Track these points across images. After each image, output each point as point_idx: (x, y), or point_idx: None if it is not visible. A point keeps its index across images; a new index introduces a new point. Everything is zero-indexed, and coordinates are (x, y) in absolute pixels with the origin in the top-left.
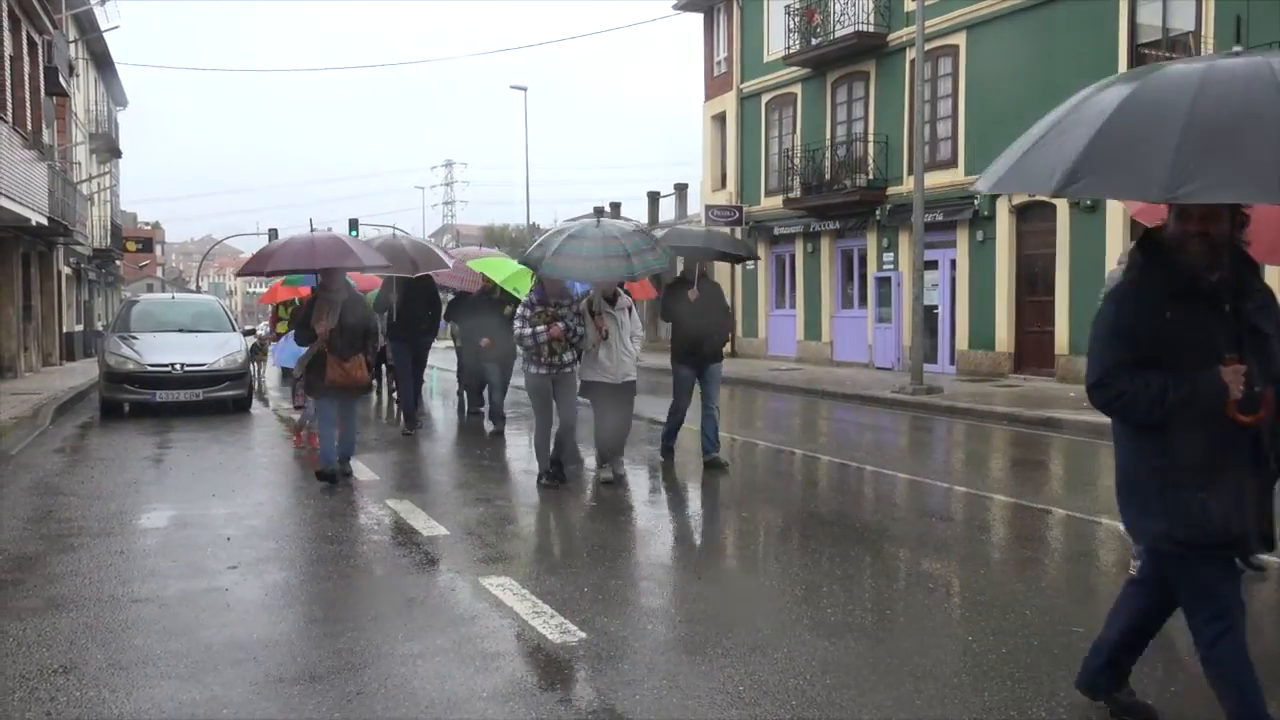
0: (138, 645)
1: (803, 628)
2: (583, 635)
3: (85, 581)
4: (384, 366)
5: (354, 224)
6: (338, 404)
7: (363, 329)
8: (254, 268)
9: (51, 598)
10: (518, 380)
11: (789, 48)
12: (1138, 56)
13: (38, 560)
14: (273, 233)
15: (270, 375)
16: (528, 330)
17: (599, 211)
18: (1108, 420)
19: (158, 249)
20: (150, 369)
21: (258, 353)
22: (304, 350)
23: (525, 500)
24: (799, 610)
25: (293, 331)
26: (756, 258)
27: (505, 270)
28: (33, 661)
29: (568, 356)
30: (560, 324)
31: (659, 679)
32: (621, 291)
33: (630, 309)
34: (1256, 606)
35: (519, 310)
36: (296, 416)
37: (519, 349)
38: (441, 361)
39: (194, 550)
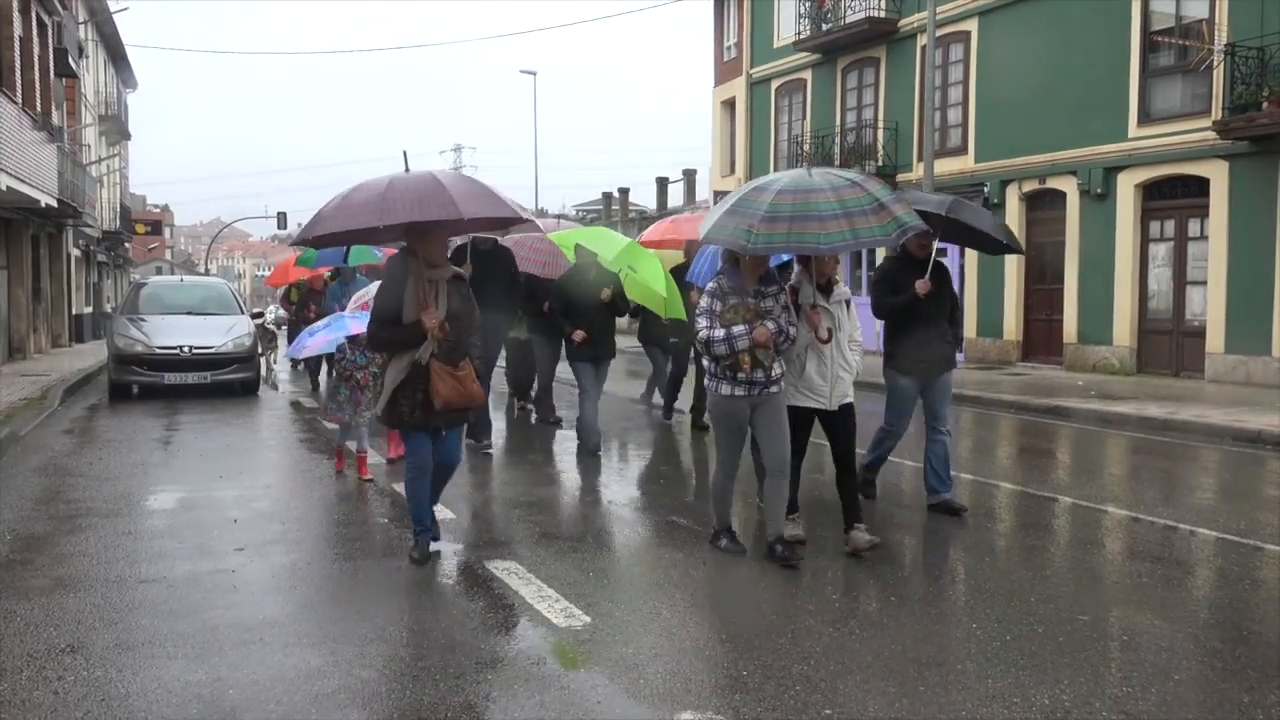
0: (145, 625)
1: (807, 614)
2: (587, 619)
3: (93, 562)
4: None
5: None
6: (438, 436)
7: (470, 320)
8: (338, 226)
9: (59, 578)
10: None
11: (799, 33)
12: (1150, 44)
13: (46, 540)
14: (281, 216)
15: (282, 362)
16: (719, 333)
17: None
18: (1114, 409)
19: (166, 232)
20: (159, 351)
21: (269, 340)
22: (337, 351)
23: (531, 485)
24: (804, 597)
25: (319, 331)
26: (1022, 250)
27: (612, 245)
28: (41, 641)
29: (776, 370)
30: (770, 323)
31: (663, 664)
32: (838, 279)
33: (849, 302)
34: (1259, 594)
35: (702, 303)
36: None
37: (705, 361)
38: None
39: (201, 532)
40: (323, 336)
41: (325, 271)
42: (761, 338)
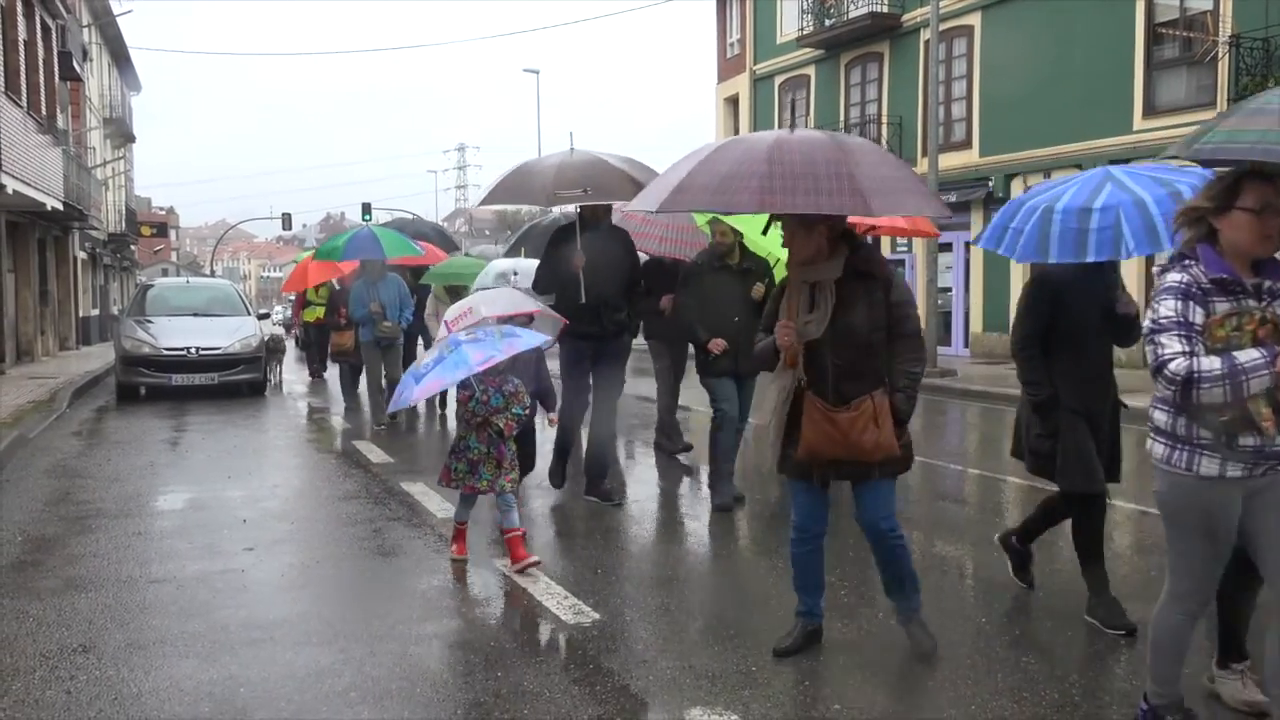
0: (155, 625)
1: None
2: (596, 616)
3: (103, 562)
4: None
5: (367, 208)
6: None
7: (872, 338)
8: (764, 202)
9: (70, 578)
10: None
11: (803, 29)
12: (1154, 36)
13: (57, 541)
14: (285, 217)
15: (291, 371)
16: (1212, 365)
17: None
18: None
19: (172, 234)
20: (166, 353)
21: (274, 347)
22: (461, 389)
23: (537, 484)
24: None
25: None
26: None
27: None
28: (53, 641)
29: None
30: None
31: (672, 659)
32: None
33: None
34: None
35: (1161, 311)
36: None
37: (1166, 409)
38: None
39: (210, 532)
40: (436, 379)
41: (349, 268)
42: None
